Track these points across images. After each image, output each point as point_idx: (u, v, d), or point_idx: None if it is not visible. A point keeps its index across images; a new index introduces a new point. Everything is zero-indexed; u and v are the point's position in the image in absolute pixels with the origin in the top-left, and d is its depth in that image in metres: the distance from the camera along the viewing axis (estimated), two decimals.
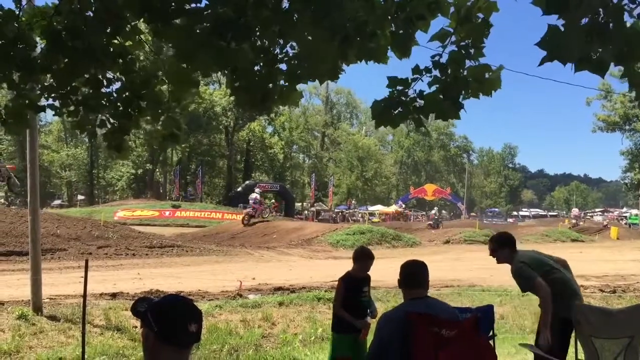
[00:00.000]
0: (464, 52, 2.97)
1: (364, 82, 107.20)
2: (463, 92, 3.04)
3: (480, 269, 14.21)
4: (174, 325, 1.71)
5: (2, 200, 36.01)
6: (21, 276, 10.93)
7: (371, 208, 63.89)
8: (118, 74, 3.49)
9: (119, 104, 3.53)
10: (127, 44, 3.39)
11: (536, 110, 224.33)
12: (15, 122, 3.40)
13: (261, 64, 3.24)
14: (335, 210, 57.46)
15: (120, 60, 3.36)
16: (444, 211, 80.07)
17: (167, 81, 3.51)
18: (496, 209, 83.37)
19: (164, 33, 3.03)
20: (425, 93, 3.11)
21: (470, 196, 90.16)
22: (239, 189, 55.85)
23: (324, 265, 16.58)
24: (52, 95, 3.41)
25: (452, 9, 2.96)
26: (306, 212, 56.04)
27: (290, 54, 3.20)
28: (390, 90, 3.14)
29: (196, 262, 16.44)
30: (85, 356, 5.79)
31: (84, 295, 6.10)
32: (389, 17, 3.02)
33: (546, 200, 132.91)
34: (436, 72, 3.05)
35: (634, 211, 60.68)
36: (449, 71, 3.03)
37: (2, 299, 8.73)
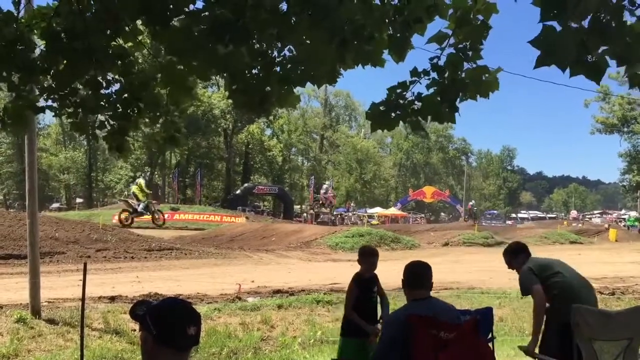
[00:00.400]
0: (461, 54, 2.98)
1: (362, 84, 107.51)
2: (460, 94, 3.04)
3: (480, 272, 14.22)
4: (172, 328, 1.71)
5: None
6: (19, 279, 10.91)
7: (370, 210, 63.88)
8: (117, 75, 3.50)
9: (118, 105, 3.54)
10: (126, 45, 3.40)
11: (534, 112, 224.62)
12: (14, 123, 3.40)
13: (259, 66, 3.24)
14: (335, 212, 57.47)
15: (120, 62, 3.36)
16: (442, 213, 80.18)
17: (165, 83, 3.51)
18: (495, 211, 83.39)
19: (162, 35, 3.03)
20: (422, 95, 3.12)
21: (469, 198, 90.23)
22: (238, 191, 55.86)
23: (323, 268, 16.57)
24: (52, 96, 3.42)
25: (450, 11, 2.97)
26: (305, 214, 56.02)
27: (288, 57, 3.21)
28: (388, 93, 3.15)
29: (195, 265, 16.41)
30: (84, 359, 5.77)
31: (83, 299, 6.09)
32: (387, 21, 3.03)
33: (545, 203, 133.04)
34: (434, 75, 3.06)
35: (633, 213, 60.75)
36: (447, 74, 3.04)
37: (0, 303, 8.71)
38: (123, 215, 25.22)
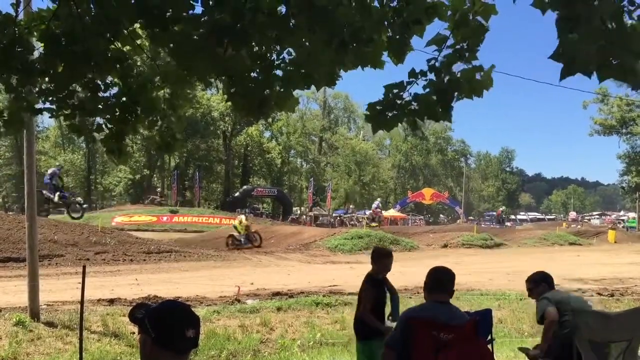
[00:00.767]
0: (458, 55, 2.99)
1: (361, 86, 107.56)
2: (456, 93, 3.05)
3: (479, 273, 14.22)
4: (171, 331, 1.71)
5: None
6: (18, 282, 10.88)
7: (369, 212, 63.82)
8: (116, 78, 3.50)
9: (116, 108, 3.54)
10: (125, 48, 3.40)
11: (533, 113, 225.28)
12: (12, 124, 3.40)
13: (258, 70, 3.25)
14: (334, 214, 57.42)
15: (118, 65, 3.37)
16: (441, 215, 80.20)
17: (163, 87, 3.52)
18: (494, 213, 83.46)
19: (161, 38, 3.03)
20: (418, 94, 3.13)
21: (468, 200, 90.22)
22: (237, 193, 55.81)
23: (322, 270, 16.56)
24: (50, 98, 3.42)
25: (448, 13, 2.97)
26: (304, 216, 55.98)
27: (287, 60, 3.21)
28: (385, 93, 3.15)
29: (194, 268, 16.39)
30: None
31: (82, 302, 6.08)
32: (385, 23, 3.03)
33: (544, 204, 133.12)
34: (431, 76, 3.07)
35: (632, 214, 60.81)
36: (443, 74, 3.05)
37: None
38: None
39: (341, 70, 3.23)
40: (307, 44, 3.06)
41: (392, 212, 63.43)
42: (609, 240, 35.15)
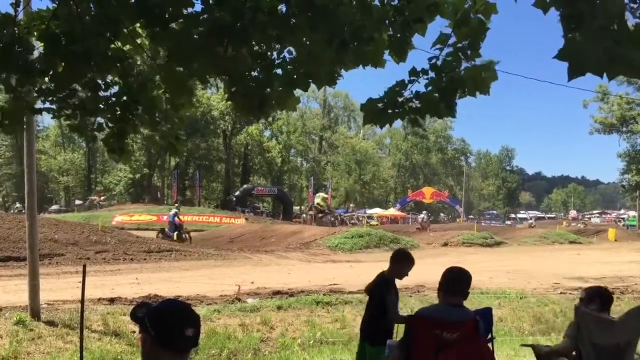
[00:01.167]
0: (460, 53, 2.98)
1: (362, 84, 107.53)
2: (459, 91, 3.04)
3: (479, 272, 14.18)
4: (171, 329, 1.71)
5: None
6: (19, 282, 10.89)
7: (369, 211, 63.89)
8: (116, 78, 3.50)
9: (116, 107, 3.53)
10: (125, 48, 3.40)
11: (533, 112, 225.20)
12: (11, 123, 3.40)
13: (258, 69, 3.24)
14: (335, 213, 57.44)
15: (118, 65, 3.36)
16: (442, 214, 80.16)
17: (163, 86, 3.51)
18: (494, 211, 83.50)
19: (160, 37, 3.03)
20: (420, 93, 3.12)
21: (469, 199, 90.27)
22: (237, 192, 55.83)
23: (323, 269, 16.57)
24: (50, 98, 3.42)
25: (450, 10, 2.96)
26: (304, 215, 56.00)
27: (288, 59, 3.21)
28: (386, 91, 3.15)
29: (194, 267, 16.40)
30: None
31: (82, 301, 6.09)
32: (386, 22, 3.03)
33: (544, 203, 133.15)
34: (433, 74, 3.06)
35: (632, 213, 60.80)
36: (443, 74, 3.04)
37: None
38: None
39: (342, 70, 3.22)
40: (307, 43, 3.06)
41: (392, 211, 63.49)
42: (609, 239, 35.18)
